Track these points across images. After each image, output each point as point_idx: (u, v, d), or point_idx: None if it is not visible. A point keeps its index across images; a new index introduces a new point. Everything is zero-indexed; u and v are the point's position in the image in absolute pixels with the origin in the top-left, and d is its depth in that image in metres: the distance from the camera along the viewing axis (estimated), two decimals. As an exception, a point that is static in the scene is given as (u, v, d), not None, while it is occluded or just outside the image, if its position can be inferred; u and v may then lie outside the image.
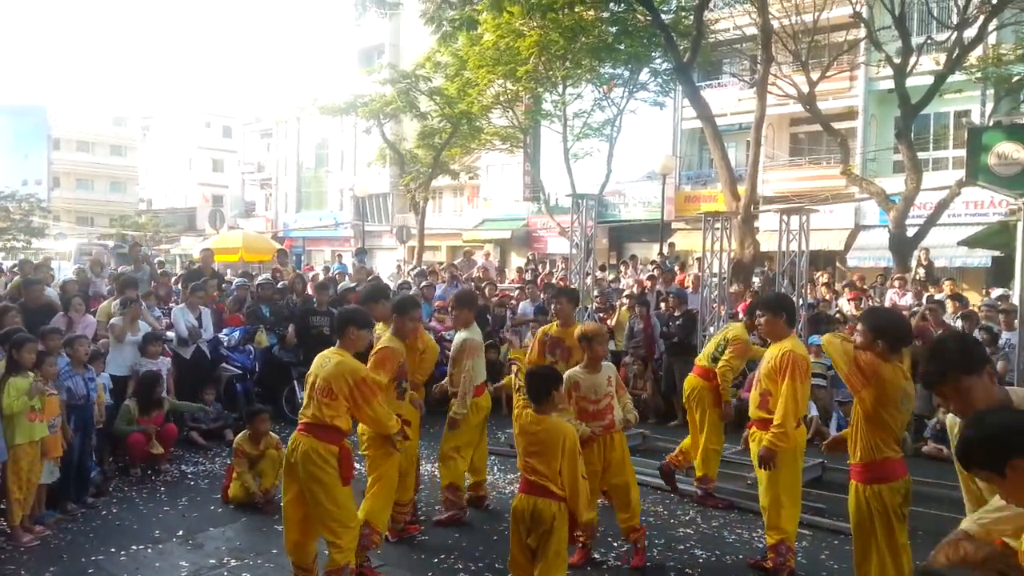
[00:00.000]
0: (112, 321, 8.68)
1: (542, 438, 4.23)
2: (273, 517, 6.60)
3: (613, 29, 19.07)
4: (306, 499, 4.66)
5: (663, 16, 16.28)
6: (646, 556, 5.66)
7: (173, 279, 13.46)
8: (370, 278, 12.88)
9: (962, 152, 17.12)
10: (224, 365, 9.79)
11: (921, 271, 14.84)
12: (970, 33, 15.49)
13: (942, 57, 16.47)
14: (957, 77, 17.24)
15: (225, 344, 9.94)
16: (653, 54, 19.95)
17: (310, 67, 40.61)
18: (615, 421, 5.47)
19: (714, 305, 8.71)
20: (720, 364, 6.81)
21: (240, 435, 7.23)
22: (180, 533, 6.21)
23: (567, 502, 4.24)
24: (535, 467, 4.23)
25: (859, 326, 4.39)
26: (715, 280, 8.95)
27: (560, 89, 21.78)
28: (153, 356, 8.53)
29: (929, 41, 17.42)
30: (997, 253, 17.98)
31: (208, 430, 9.17)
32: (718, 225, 8.63)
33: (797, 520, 5.47)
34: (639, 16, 18.12)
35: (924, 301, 11.71)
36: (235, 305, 10.70)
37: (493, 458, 8.42)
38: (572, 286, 9.00)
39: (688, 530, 6.35)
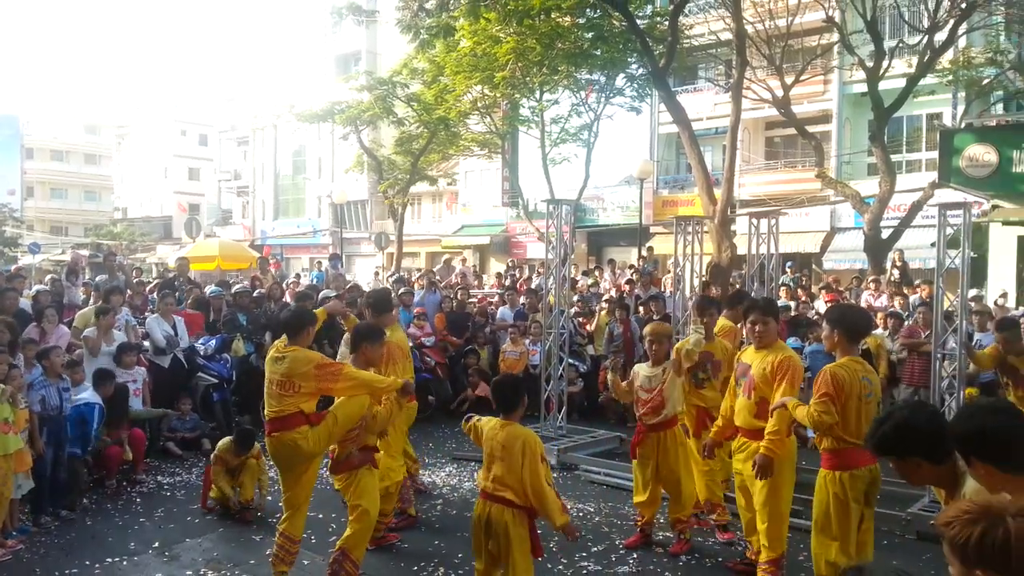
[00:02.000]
0: (86, 333, 8.55)
1: (504, 443, 4.23)
2: (251, 527, 6.55)
3: (589, 35, 19.13)
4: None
5: (638, 21, 16.35)
6: (688, 545, 5.97)
7: (148, 288, 13.33)
8: (348, 287, 12.74)
9: (935, 154, 17.37)
10: (201, 374, 9.68)
11: (896, 272, 14.99)
12: (941, 37, 15.71)
13: (914, 60, 16.68)
14: (929, 80, 17.46)
15: (201, 353, 9.83)
16: (629, 59, 20.04)
17: (287, 74, 40.44)
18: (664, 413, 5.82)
19: (688, 309, 8.74)
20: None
21: (223, 443, 7.12)
22: (156, 545, 6.13)
23: (531, 508, 4.20)
24: (496, 473, 4.23)
25: (823, 323, 4.54)
26: (688, 284, 8.97)
27: (537, 95, 21.84)
28: (128, 366, 8.42)
29: (901, 45, 17.64)
30: (972, 254, 18.19)
31: (185, 439, 9.07)
32: (691, 229, 8.65)
33: None
34: (615, 22, 18.21)
35: (909, 302, 11.81)
36: (193, 304, 10.67)
37: (473, 464, 8.41)
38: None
39: (668, 533, 6.35)
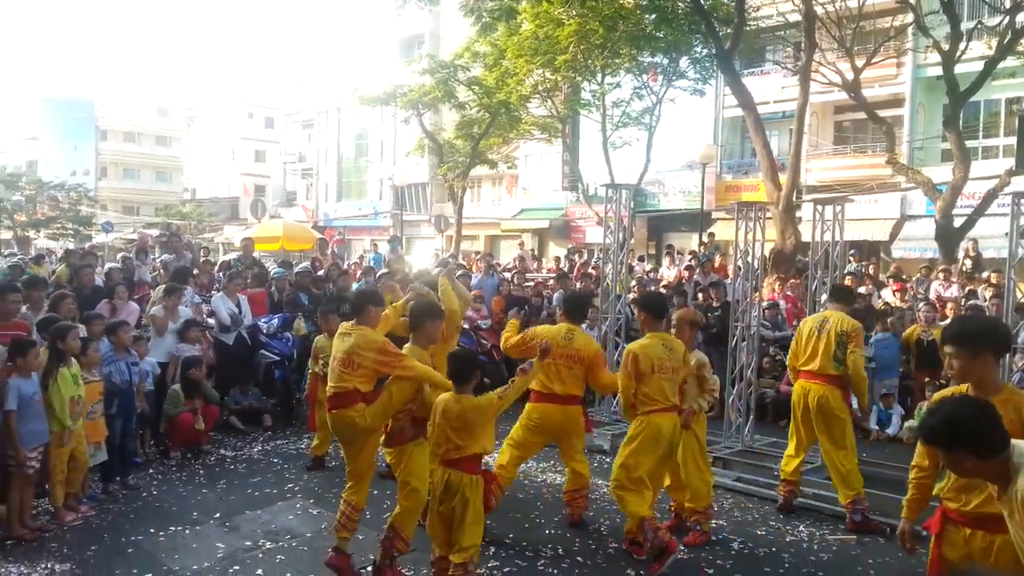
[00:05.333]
0: (153, 312, 8.82)
1: (460, 415, 4.53)
2: (308, 501, 6.71)
3: (652, 17, 18.87)
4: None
5: (703, 2, 16.05)
6: (705, 537, 5.86)
7: (216, 267, 13.69)
8: (415, 273, 12.67)
9: (1013, 140, 16.71)
10: (263, 352, 9.92)
11: (968, 262, 14.51)
12: (1023, 17, 15.04)
13: (993, 42, 16.02)
14: (1009, 62, 16.75)
15: (264, 331, 10.06)
16: (693, 41, 19.72)
17: (351, 58, 40.87)
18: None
19: (748, 295, 8.60)
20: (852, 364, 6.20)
21: (317, 338, 8.18)
22: (217, 515, 6.32)
23: (488, 474, 4.74)
24: (456, 442, 4.52)
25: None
26: (749, 271, 8.80)
27: (599, 78, 21.64)
28: (192, 341, 8.66)
29: (979, 26, 16.96)
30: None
31: (247, 413, 9.34)
32: (754, 215, 8.49)
33: None
34: (679, 3, 17.92)
35: (966, 293, 11.46)
36: (254, 283, 10.97)
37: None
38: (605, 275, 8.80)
39: (721, 521, 6.29)
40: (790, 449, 6.58)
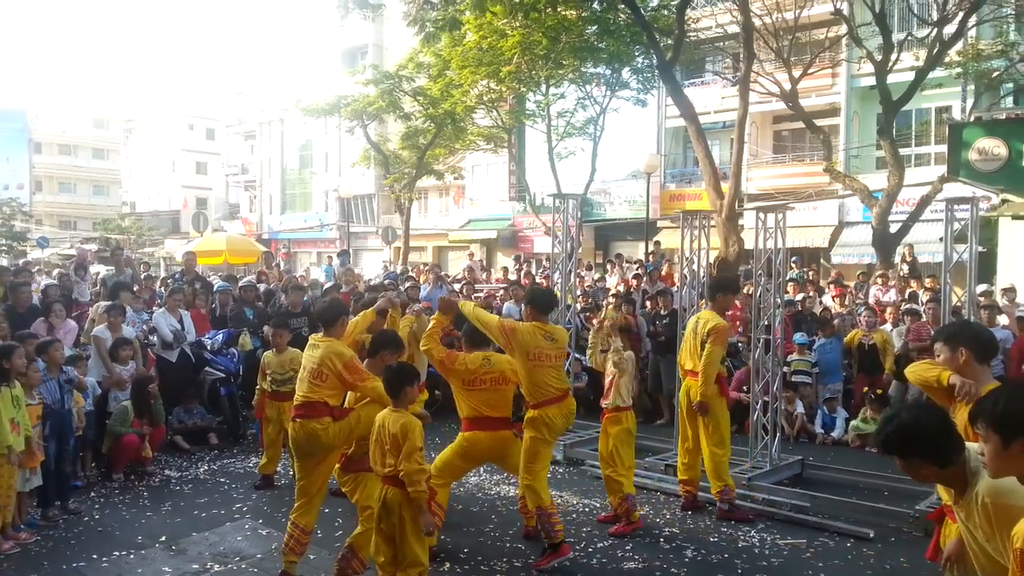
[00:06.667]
0: (95, 333, 8.56)
1: (398, 433, 4.41)
2: (257, 521, 6.57)
3: (594, 28, 19.09)
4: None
5: (644, 14, 16.28)
6: (628, 527, 6.21)
7: (158, 282, 13.37)
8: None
9: (944, 148, 17.28)
10: (208, 369, 9.71)
11: (905, 267, 14.92)
12: (950, 29, 15.60)
13: (923, 53, 16.58)
14: (938, 73, 17.34)
15: (208, 348, 9.86)
16: (635, 53, 19.99)
17: (293, 68, 40.45)
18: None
19: (694, 304, 8.71)
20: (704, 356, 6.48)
21: (265, 354, 7.87)
22: (163, 539, 6.15)
23: (429, 489, 4.63)
24: (392, 460, 4.42)
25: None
26: (694, 278, 8.91)
27: (543, 89, 21.78)
28: (124, 361, 8.40)
29: (910, 37, 17.52)
30: (981, 249, 18.12)
31: (192, 432, 9.12)
32: (698, 224, 8.63)
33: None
34: (620, 15, 18.15)
35: (907, 296, 11.78)
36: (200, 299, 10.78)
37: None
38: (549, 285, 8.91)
39: (674, 529, 6.35)
40: (681, 445, 6.90)
